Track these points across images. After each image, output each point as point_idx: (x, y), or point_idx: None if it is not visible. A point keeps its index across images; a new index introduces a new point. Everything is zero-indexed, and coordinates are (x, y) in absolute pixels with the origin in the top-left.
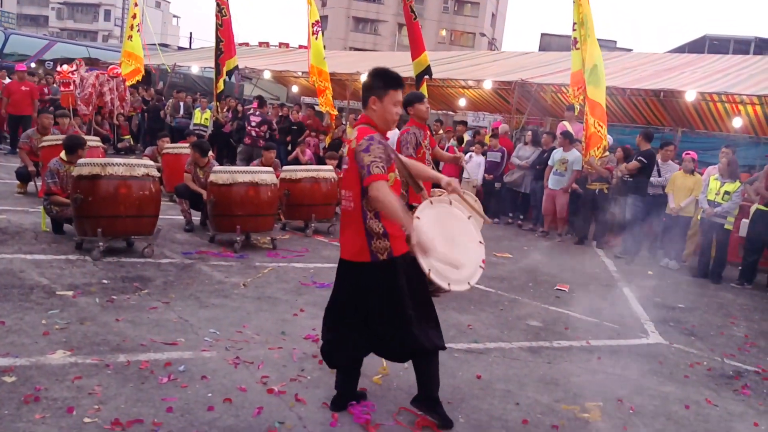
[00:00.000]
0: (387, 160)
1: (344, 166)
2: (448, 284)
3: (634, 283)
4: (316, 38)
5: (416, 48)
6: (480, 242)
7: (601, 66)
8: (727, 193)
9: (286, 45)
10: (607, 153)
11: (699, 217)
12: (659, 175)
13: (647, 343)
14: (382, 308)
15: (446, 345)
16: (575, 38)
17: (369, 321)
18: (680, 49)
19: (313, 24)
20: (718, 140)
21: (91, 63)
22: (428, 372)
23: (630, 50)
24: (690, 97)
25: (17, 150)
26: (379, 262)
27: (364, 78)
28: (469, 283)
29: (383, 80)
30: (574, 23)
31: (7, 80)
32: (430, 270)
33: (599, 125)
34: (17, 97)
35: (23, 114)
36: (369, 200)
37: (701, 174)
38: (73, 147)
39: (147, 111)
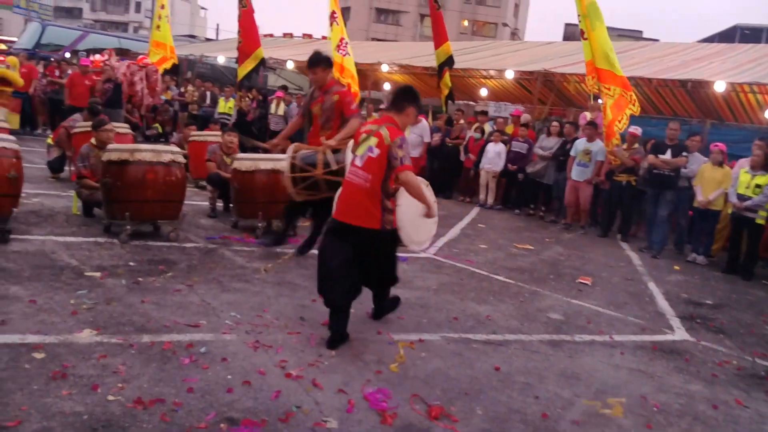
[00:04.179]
0: (410, 156)
1: (369, 154)
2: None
3: (659, 277)
4: (331, 29)
5: (439, 38)
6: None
7: (613, 55)
8: (758, 186)
9: (310, 36)
10: (636, 145)
11: (729, 211)
12: None
13: (673, 339)
14: (382, 260)
15: (464, 335)
16: (582, 29)
17: (367, 267)
18: (709, 39)
19: (330, 14)
20: (748, 132)
21: (122, 53)
22: (386, 295)
23: (656, 41)
24: (719, 87)
25: (53, 132)
26: (385, 230)
27: (383, 68)
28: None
29: (419, 102)
30: (579, 15)
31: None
32: (415, 245)
33: (625, 93)
34: (79, 90)
35: (83, 107)
36: (401, 182)
37: (731, 167)
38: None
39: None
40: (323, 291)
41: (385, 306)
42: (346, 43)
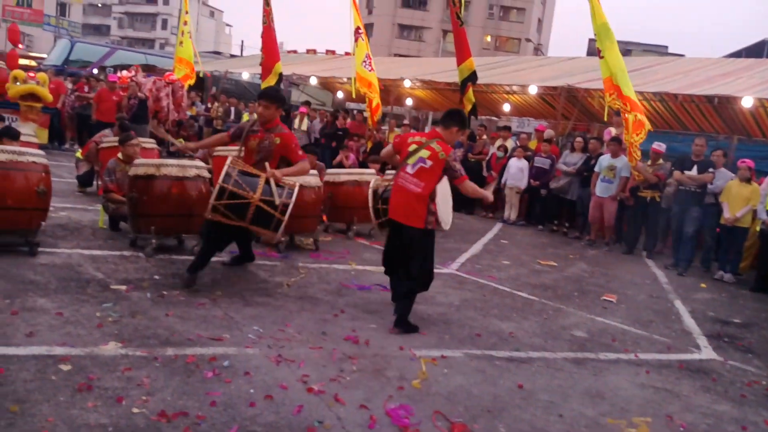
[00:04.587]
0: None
1: (422, 164)
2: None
3: (686, 295)
4: (356, 45)
5: (462, 54)
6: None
7: (625, 74)
8: None
9: (333, 52)
10: (660, 160)
11: (757, 228)
12: None
13: (699, 358)
14: (418, 255)
15: (487, 352)
16: (598, 48)
17: (407, 261)
18: (737, 54)
19: (354, 30)
20: None
21: (149, 69)
22: (411, 303)
23: (682, 56)
24: (747, 103)
25: (82, 147)
26: (426, 229)
27: (406, 84)
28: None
29: (464, 125)
30: (595, 34)
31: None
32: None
33: (631, 113)
34: (107, 105)
35: (110, 122)
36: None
37: (759, 184)
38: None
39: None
40: (384, 263)
41: (406, 325)
42: (371, 59)
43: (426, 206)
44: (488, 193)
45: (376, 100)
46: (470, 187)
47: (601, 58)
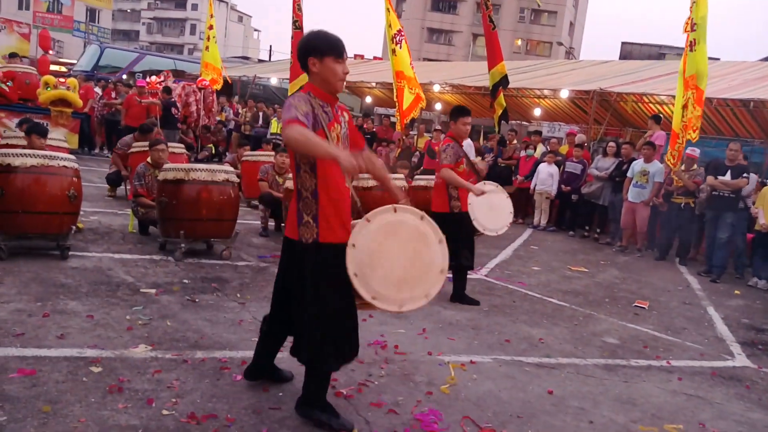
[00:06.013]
0: (456, 157)
1: (437, 160)
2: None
3: (719, 302)
4: (400, 47)
5: (493, 57)
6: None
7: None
8: None
9: (361, 56)
10: (695, 166)
11: None
12: None
13: (733, 365)
14: (458, 233)
15: (516, 358)
16: (694, 39)
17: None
18: None
19: (394, 34)
20: None
21: (178, 75)
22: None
23: (717, 59)
24: None
25: (111, 152)
26: (454, 213)
27: (435, 88)
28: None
29: (457, 113)
30: (695, 23)
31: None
32: (489, 231)
33: (694, 106)
34: (136, 110)
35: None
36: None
37: None
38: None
39: None
40: None
41: (462, 296)
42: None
43: (445, 192)
44: (475, 187)
45: (412, 97)
46: (447, 174)
47: (692, 51)
